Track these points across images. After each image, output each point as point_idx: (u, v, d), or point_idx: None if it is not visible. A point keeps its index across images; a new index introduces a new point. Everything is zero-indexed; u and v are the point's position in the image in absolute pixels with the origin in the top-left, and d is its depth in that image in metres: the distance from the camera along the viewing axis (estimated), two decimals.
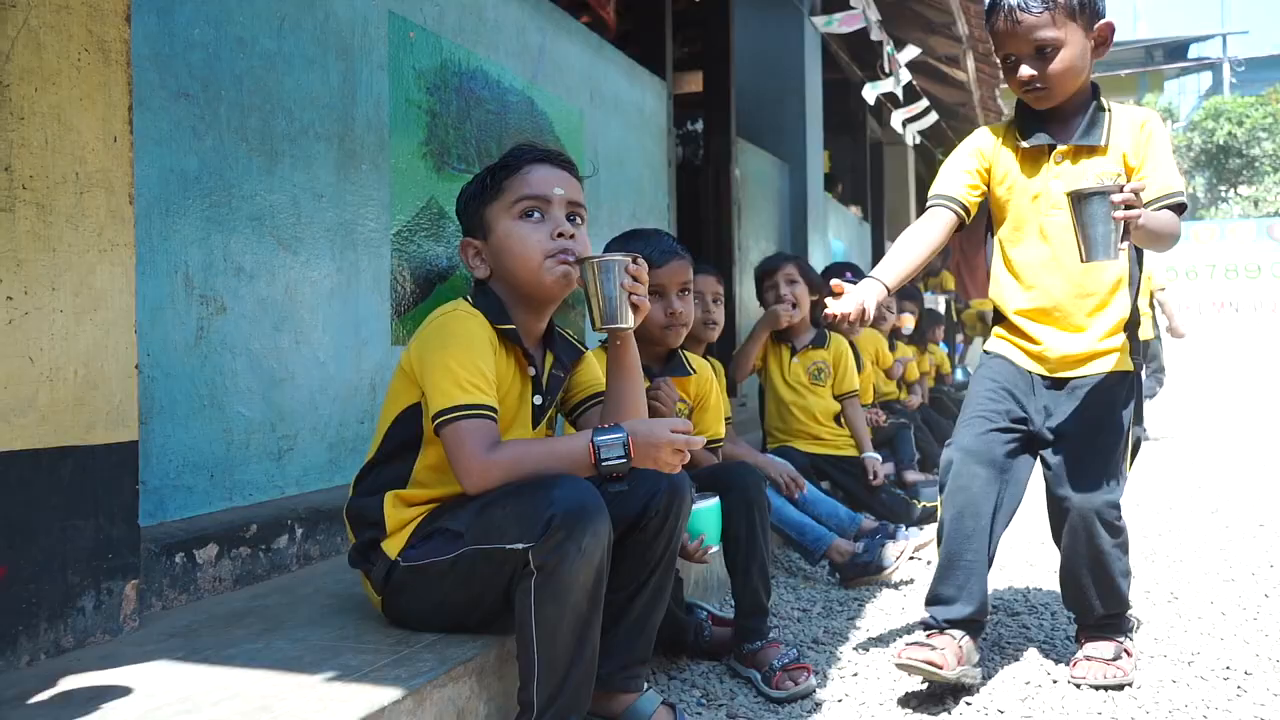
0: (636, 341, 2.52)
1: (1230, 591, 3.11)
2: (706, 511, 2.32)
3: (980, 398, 2.25)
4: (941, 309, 9.01)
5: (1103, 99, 2.15)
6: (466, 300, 1.90)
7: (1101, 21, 2.07)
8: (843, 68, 9.18)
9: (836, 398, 4.06)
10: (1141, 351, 2.22)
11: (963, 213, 2.22)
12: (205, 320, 2.25)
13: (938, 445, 7.00)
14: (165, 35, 2.15)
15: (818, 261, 7.36)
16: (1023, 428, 2.21)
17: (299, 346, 2.54)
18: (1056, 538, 2.28)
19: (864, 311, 2.02)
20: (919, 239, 2.20)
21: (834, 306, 2.04)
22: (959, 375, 11.19)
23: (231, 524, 2.22)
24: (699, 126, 7.39)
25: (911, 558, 3.38)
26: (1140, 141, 2.11)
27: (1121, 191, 1.81)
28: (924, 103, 8.75)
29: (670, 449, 1.73)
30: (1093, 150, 2.13)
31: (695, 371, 2.59)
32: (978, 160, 2.23)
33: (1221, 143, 21.02)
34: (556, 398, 1.99)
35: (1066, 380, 2.21)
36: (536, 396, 1.93)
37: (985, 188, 2.24)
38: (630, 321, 1.85)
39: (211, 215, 2.27)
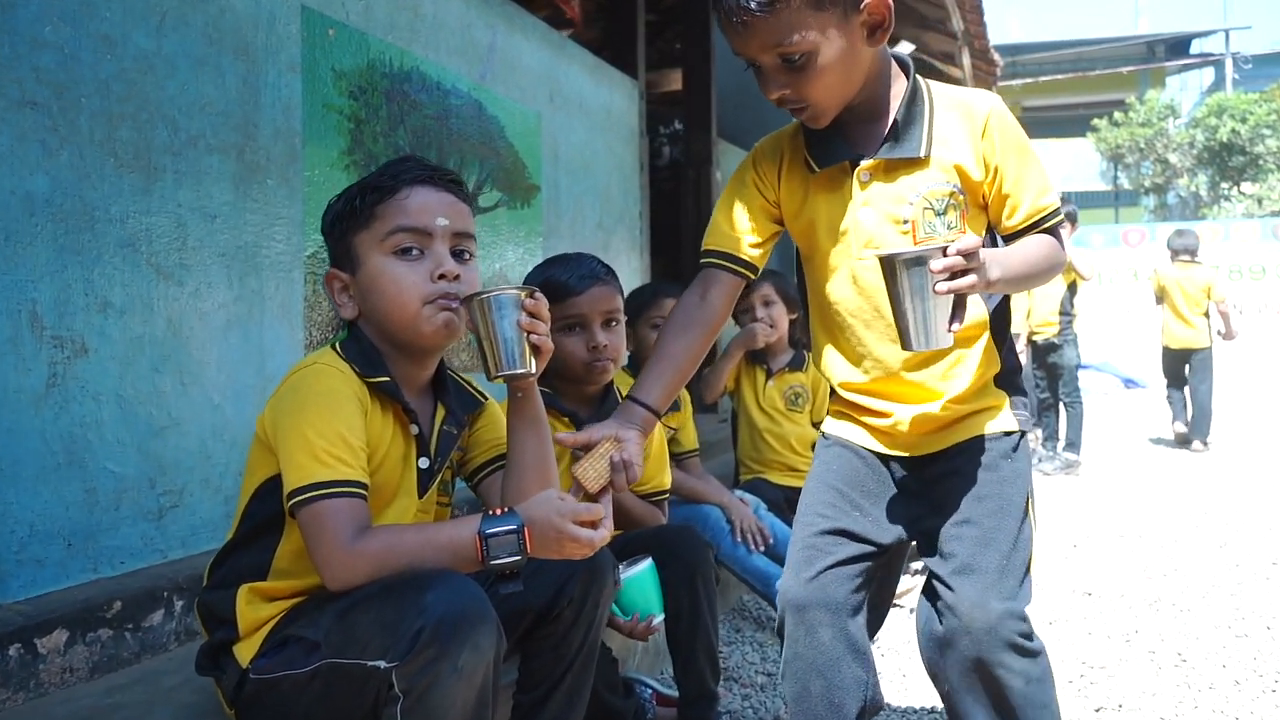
0: (560, 383, 2.24)
1: (1244, 651, 2.80)
2: (639, 579, 2.02)
3: (811, 514, 1.61)
4: None
5: (921, 83, 1.54)
6: (334, 348, 1.59)
7: None
8: None
9: (815, 425, 3.75)
10: (1033, 406, 1.68)
11: (745, 270, 1.61)
12: (60, 365, 1.94)
13: None
14: (3, 34, 1.84)
15: None
16: (871, 549, 1.58)
17: (186, 388, 2.22)
18: (936, 681, 1.56)
19: (628, 474, 1.48)
20: (691, 324, 1.59)
21: (582, 476, 1.47)
22: None
23: (89, 601, 1.91)
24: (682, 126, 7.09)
25: (894, 605, 3.07)
26: (984, 146, 1.51)
27: (945, 254, 1.29)
28: None
29: (572, 543, 1.42)
30: (912, 163, 1.52)
31: None
32: (759, 191, 1.62)
33: (1224, 140, 20.63)
34: (449, 459, 1.68)
35: (933, 458, 1.59)
36: (422, 459, 1.62)
37: (778, 225, 1.64)
38: (531, 367, 1.54)
39: (68, 243, 1.95)
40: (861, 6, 1.42)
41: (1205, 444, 7.02)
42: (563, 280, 2.14)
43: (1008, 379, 1.62)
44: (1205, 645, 2.86)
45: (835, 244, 1.57)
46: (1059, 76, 23.72)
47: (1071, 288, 6.27)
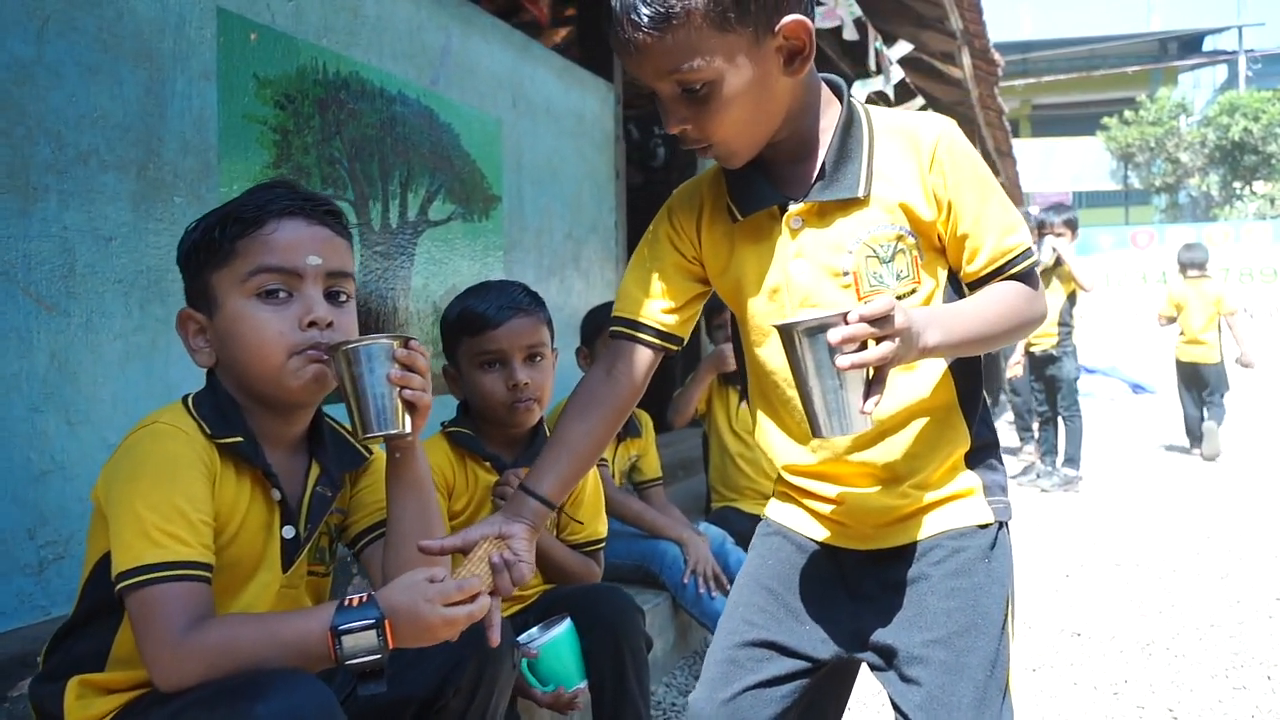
0: (484, 424, 2.04)
1: (1241, 706, 2.59)
2: (556, 645, 1.82)
3: (736, 619, 1.38)
4: None
5: (858, 110, 1.30)
6: (185, 402, 1.40)
7: (786, 20, 1.18)
8: (836, 63, 8.63)
9: None
10: (1005, 485, 1.37)
11: (660, 341, 1.37)
12: None
13: None
14: None
15: None
16: (804, 664, 1.33)
17: (73, 429, 2.03)
18: None
19: (512, 575, 1.26)
20: (593, 405, 1.36)
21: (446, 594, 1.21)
22: None
23: None
24: None
25: None
26: (933, 180, 1.27)
27: (846, 323, 1.08)
28: (919, 101, 8.21)
29: (445, 626, 1.23)
30: (847, 205, 1.28)
31: None
32: (674, 248, 1.38)
33: (1236, 139, 20.30)
34: (322, 525, 1.48)
35: (894, 556, 1.33)
36: (287, 528, 1.42)
37: (702, 284, 1.40)
38: (405, 427, 1.35)
39: None
40: (776, 30, 1.18)
41: (1215, 448, 7.01)
42: (480, 311, 1.95)
43: (982, 457, 1.35)
44: (1200, 698, 2.65)
45: (768, 304, 1.32)
46: (1064, 76, 23.37)
47: (1071, 298, 6.04)
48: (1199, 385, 7.22)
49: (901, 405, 1.29)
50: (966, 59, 7.81)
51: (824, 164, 1.28)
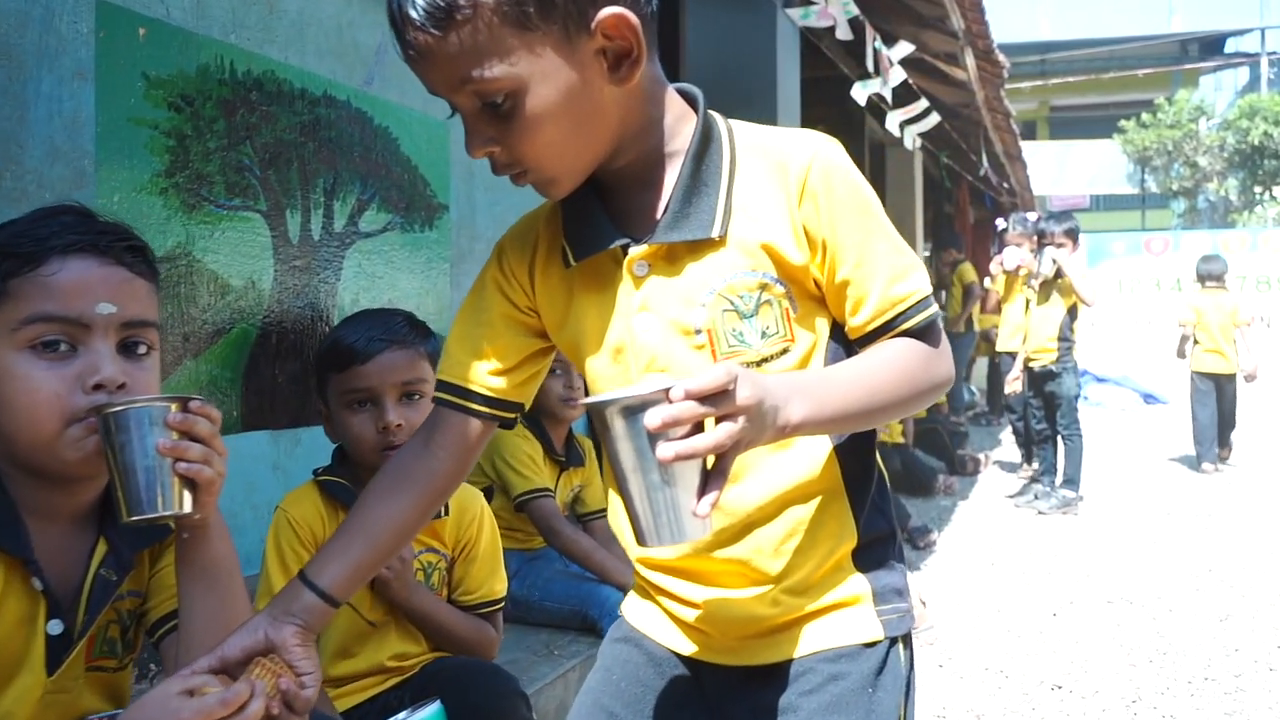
0: (359, 471, 1.80)
1: None
2: None
3: None
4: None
5: (718, 127, 1.07)
6: None
7: (604, 14, 0.94)
8: (837, 64, 8.38)
9: None
10: (903, 589, 1.10)
11: (495, 410, 1.13)
12: None
13: (925, 491, 6.21)
14: None
15: None
16: None
17: None
18: None
19: (296, 707, 1.04)
20: (402, 484, 1.12)
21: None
22: (964, 395, 10.37)
23: None
24: None
25: None
26: (803, 215, 1.02)
27: (670, 401, 0.84)
28: (923, 103, 7.95)
29: None
30: (699, 247, 1.02)
31: (448, 513, 1.83)
32: (503, 296, 1.14)
33: (1256, 143, 19.85)
34: (106, 613, 1.25)
35: (761, 675, 1.09)
36: (54, 622, 1.19)
37: (540, 339, 1.15)
38: (182, 507, 1.11)
39: None
40: (593, 27, 0.94)
41: (1229, 451, 7.22)
42: (348, 344, 1.72)
43: (874, 555, 1.09)
44: None
45: (611, 366, 1.08)
46: (1081, 77, 22.95)
47: (1072, 311, 5.76)
48: (1220, 395, 7.15)
49: (772, 492, 1.04)
50: (970, 60, 7.54)
51: (673, 194, 1.03)
